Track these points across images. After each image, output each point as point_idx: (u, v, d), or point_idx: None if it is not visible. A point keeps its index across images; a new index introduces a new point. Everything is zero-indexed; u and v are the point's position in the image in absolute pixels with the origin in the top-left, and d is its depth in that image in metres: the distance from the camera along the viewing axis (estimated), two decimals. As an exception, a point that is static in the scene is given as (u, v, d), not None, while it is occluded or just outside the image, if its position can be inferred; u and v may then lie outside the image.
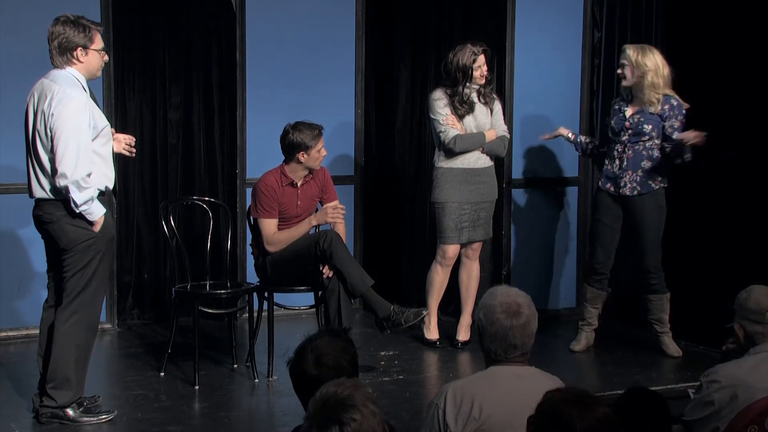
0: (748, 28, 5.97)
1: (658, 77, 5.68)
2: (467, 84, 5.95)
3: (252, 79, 6.76)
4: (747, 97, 5.99)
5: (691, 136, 5.56)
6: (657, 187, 5.82)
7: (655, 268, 5.86)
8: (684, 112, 5.73)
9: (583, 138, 6.18)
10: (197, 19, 6.82)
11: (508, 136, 6.19)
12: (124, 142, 4.95)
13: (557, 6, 6.87)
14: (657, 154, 5.78)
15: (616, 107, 5.88)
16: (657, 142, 5.76)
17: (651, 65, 5.67)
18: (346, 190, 6.99)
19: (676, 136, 5.67)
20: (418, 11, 7.14)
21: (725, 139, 6.08)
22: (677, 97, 5.75)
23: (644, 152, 5.78)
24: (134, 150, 5.02)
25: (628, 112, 5.78)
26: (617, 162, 5.83)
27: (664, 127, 5.73)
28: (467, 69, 5.92)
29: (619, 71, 5.78)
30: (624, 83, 5.77)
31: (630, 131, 5.76)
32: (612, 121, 5.85)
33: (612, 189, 5.86)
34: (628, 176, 5.80)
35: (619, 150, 5.82)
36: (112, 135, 4.84)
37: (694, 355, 5.89)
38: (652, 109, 5.72)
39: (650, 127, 5.73)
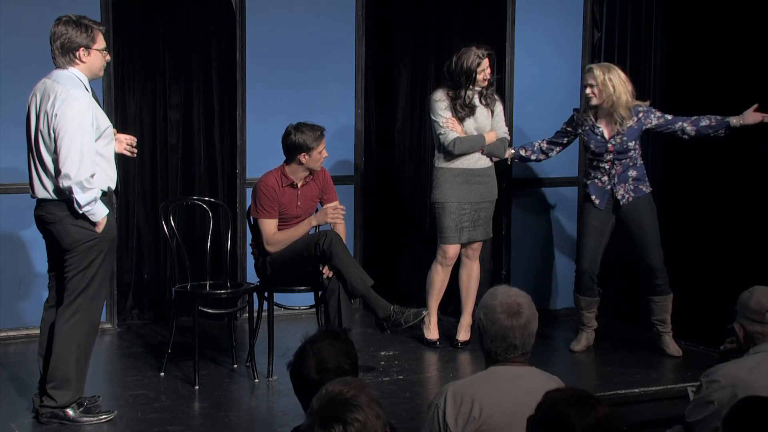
0: (748, 28, 5.96)
1: (626, 94, 5.77)
2: (470, 87, 5.94)
3: (252, 79, 6.76)
4: (747, 97, 5.98)
5: (753, 119, 5.65)
6: (648, 190, 5.92)
7: (660, 268, 5.89)
8: (653, 109, 5.86)
9: (530, 149, 6.19)
10: (197, 19, 6.82)
11: (508, 137, 6.19)
12: (126, 143, 4.95)
13: (557, 6, 6.88)
14: (640, 162, 5.90)
15: (587, 128, 5.89)
16: (639, 150, 5.88)
17: (618, 83, 5.75)
18: (346, 190, 6.99)
19: (735, 121, 5.68)
20: (417, 11, 7.13)
21: (724, 139, 6.08)
22: (642, 104, 5.87)
23: (629, 162, 5.87)
24: (135, 150, 5.02)
25: (605, 133, 5.84)
26: (606, 178, 5.88)
27: (648, 128, 5.83)
28: (471, 72, 5.91)
29: (588, 91, 5.81)
30: (593, 102, 5.81)
31: (614, 152, 5.82)
32: (591, 144, 5.87)
33: (603, 203, 5.88)
34: (622, 189, 5.86)
35: (606, 167, 5.87)
36: (114, 135, 4.84)
37: (694, 355, 5.89)
38: (629, 123, 5.80)
39: (633, 143, 5.83)
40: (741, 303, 3.68)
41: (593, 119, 5.87)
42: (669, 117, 5.84)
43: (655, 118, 5.83)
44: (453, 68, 5.95)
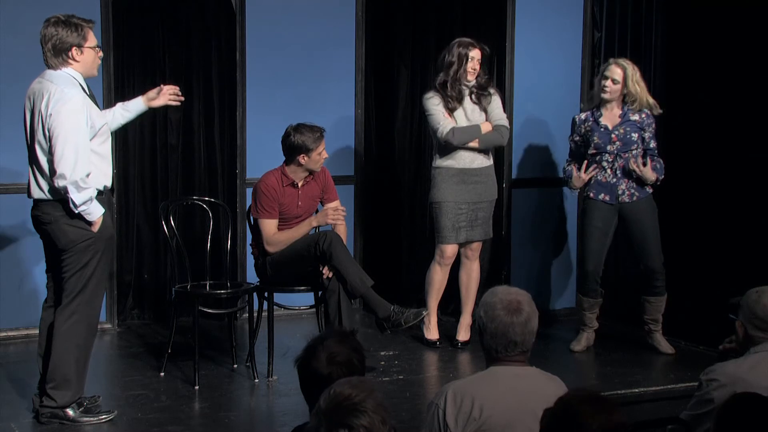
0: (748, 28, 5.96)
1: (645, 91, 5.84)
2: (458, 75, 5.90)
3: (252, 79, 6.76)
4: (746, 97, 5.99)
5: (649, 178, 5.77)
6: (650, 190, 5.92)
7: (659, 269, 5.91)
8: (653, 121, 5.88)
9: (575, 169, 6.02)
10: (197, 19, 6.82)
11: (506, 125, 6.09)
12: (169, 93, 4.98)
13: (557, 6, 6.88)
14: (643, 160, 5.87)
15: (590, 122, 5.89)
16: (641, 148, 5.87)
17: (639, 79, 5.81)
18: (345, 190, 6.99)
19: (639, 172, 5.76)
20: (418, 11, 7.14)
21: (722, 139, 6.08)
22: (656, 108, 5.88)
23: (632, 158, 5.85)
24: (182, 98, 5.08)
25: (609, 124, 5.84)
26: (609, 172, 5.87)
27: (643, 137, 5.85)
28: (462, 57, 5.89)
29: (608, 84, 5.79)
30: (607, 96, 5.81)
31: (618, 143, 5.82)
32: (595, 137, 5.86)
33: (608, 198, 5.88)
34: (624, 184, 5.86)
35: (609, 160, 5.87)
36: (144, 102, 4.94)
37: (694, 355, 5.89)
38: (634, 117, 5.82)
39: (636, 135, 5.84)
40: (747, 304, 3.59)
41: (593, 114, 5.86)
42: (652, 145, 5.84)
43: (648, 132, 5.83)
44: (446, 55, 5.93)
